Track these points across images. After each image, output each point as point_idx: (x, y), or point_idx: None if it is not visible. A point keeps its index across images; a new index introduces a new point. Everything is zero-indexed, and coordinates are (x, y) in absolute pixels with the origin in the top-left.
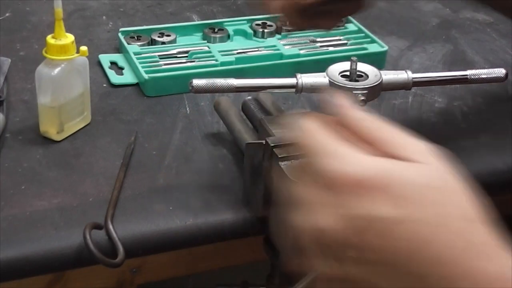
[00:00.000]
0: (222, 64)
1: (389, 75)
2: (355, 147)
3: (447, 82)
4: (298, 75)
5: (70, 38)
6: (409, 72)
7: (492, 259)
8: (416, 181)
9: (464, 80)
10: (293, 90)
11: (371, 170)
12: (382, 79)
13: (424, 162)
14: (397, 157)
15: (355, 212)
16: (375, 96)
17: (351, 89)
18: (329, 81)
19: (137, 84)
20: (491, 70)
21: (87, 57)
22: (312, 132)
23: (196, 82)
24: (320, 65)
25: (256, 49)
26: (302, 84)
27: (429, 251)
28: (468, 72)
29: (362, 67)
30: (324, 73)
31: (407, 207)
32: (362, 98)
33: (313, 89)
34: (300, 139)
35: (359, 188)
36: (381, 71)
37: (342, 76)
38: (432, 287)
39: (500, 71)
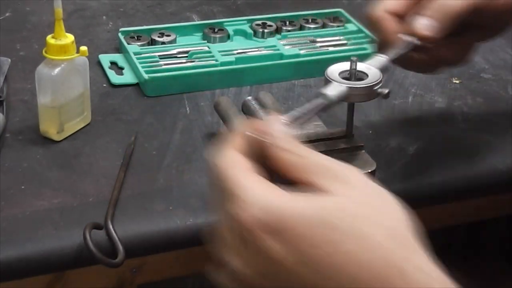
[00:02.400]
0: (222, 64)
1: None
2: (264, 182)
3: (417, 48)
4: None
5: (70, 38)
6: (383, 55)
7: None
8: (311, 222)
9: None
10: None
11: (268, 213)
12: (381, 76)
13: (340, 192)
14: (314, 185)
15: (257, 258)
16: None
17: (371, 87)
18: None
19: (137, 84)
20: None
21: (87, 57)
22: (224, 167)
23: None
24: (320, 65)
25: (256, 49)
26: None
27: None
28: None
29: (364, 67)
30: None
31: (295, 251)
32: (387, 91)
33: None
34: (214, 174)
35: (259, 232)
36: (365, 63)
37: (342, 77)
38: None
39: None
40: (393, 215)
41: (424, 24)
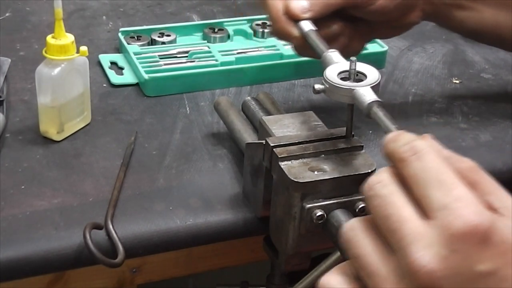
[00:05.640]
0: (222, 64)
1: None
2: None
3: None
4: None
5: (70, 38)
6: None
7: None
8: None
9: None
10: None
11: (485, 220)
12: (375, 82)
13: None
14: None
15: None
16: None
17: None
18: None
19: (137, 84)
20: None
21: (87, 57)
22: (429, 155)
23: None
24: (320, 65)
25: (256, 49)
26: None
27: None
28: None
29: (363, 67)
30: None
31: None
32: (318, 87)
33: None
34: (415, 155)
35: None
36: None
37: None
38: None
39: None
40: None
41: (298, 5)
